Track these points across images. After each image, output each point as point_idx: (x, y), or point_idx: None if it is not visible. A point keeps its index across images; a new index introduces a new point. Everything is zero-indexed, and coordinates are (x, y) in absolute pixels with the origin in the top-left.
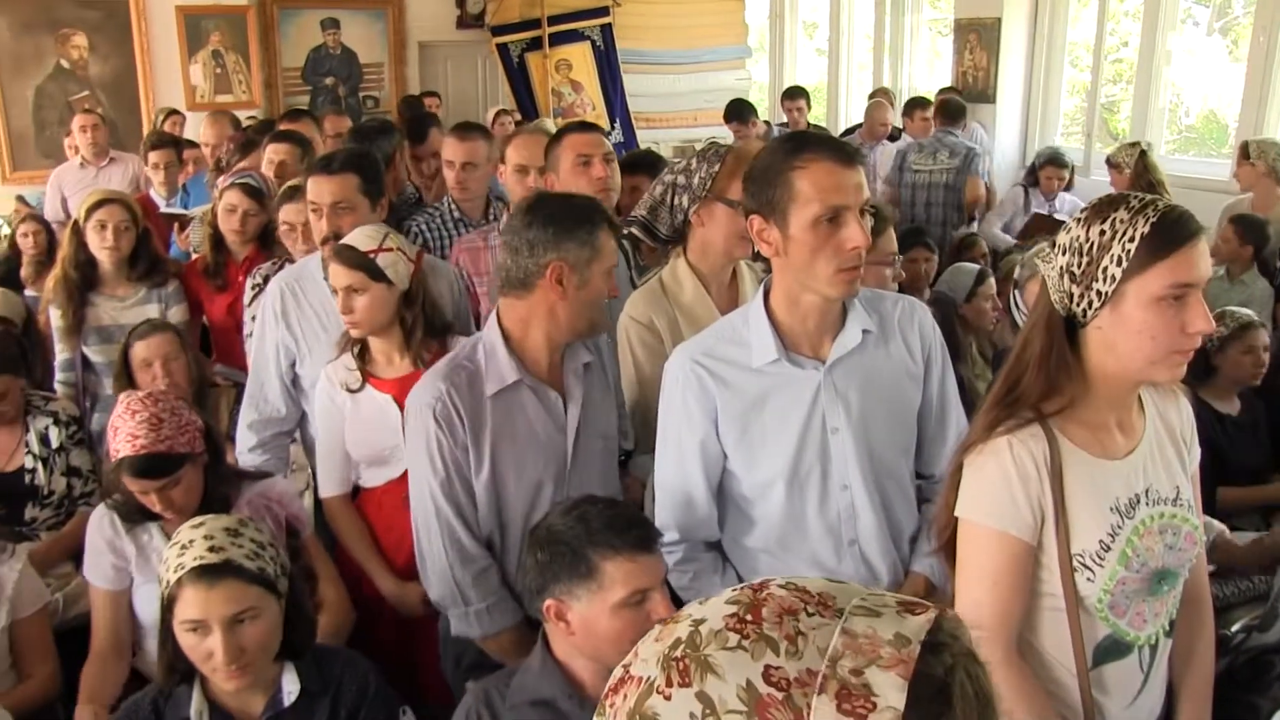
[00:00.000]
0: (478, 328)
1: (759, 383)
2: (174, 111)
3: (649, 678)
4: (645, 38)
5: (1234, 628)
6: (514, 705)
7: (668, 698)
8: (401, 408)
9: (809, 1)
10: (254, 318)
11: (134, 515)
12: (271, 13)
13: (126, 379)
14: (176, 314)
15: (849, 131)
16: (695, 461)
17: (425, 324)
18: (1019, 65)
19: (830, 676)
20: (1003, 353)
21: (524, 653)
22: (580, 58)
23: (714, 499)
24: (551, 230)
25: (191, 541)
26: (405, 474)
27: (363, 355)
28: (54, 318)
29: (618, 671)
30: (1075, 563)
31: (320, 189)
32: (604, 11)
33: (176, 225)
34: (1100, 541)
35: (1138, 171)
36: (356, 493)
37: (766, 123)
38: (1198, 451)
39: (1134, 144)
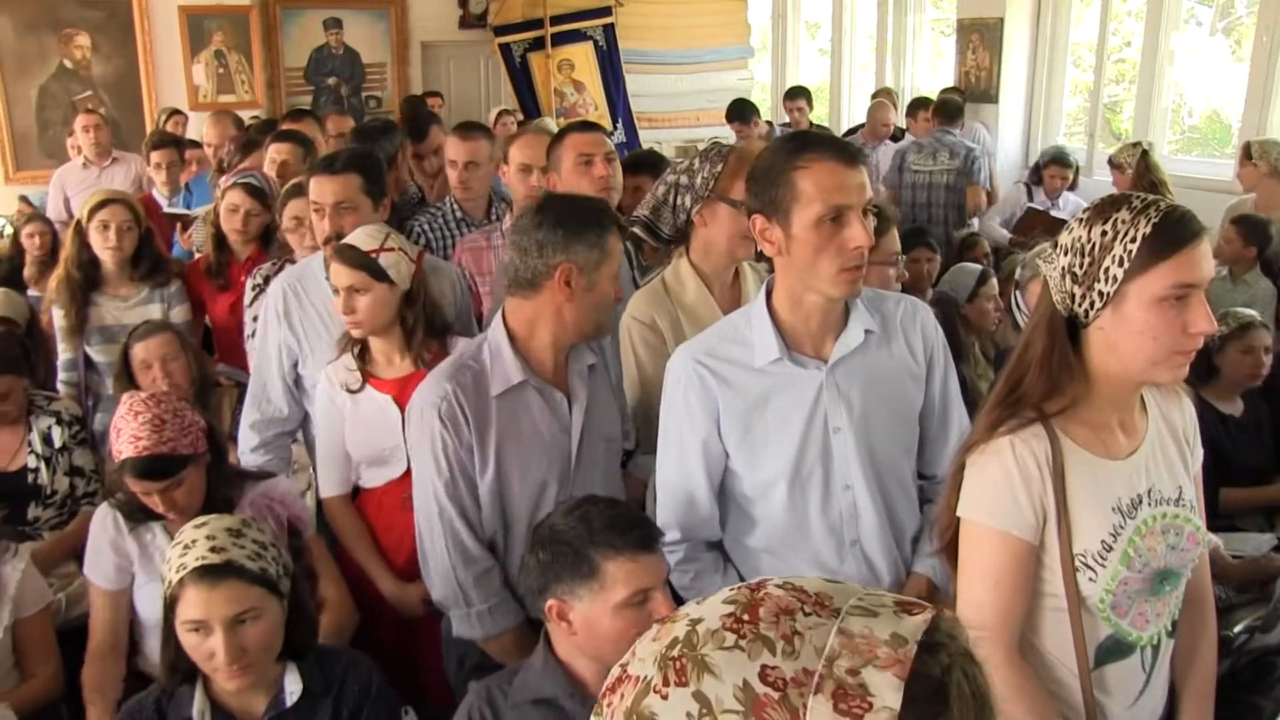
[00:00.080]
0: (480, 328)
1: (761, 382)
2: (176, 111)
3: (646, 677)
4: (648, 38)
5: (1236, 629)
6: (516, 704)
7: (664, 697)
8: (402, 408)
9: (811, 1)
10: (255, 318)
11: (137, 515)
12: (274, 12)
13: (127, 379)
14: (179, 314)
15: (851, 132)
16: (697, 461)
17: (426, 324)
18: (1021, 65)
19: (827, 676)
20: (1005, 352)
21: (525, 654)
22: (583, 58)
23: (715, 498)
24: (561, 232)
25: (194, 541)
26: (405, 474)
27: (363, 356)
28: (57, 317)
29: (615, 671)
30: (1077, 563)
31: (323, 189)
32: (606, 11)
33: (179, 225)
34: (1102, 541)
35: (1139, 172)
36: (357, 493)
37: (769, 123)
38: (1200, 452)
39: (1136, 144)
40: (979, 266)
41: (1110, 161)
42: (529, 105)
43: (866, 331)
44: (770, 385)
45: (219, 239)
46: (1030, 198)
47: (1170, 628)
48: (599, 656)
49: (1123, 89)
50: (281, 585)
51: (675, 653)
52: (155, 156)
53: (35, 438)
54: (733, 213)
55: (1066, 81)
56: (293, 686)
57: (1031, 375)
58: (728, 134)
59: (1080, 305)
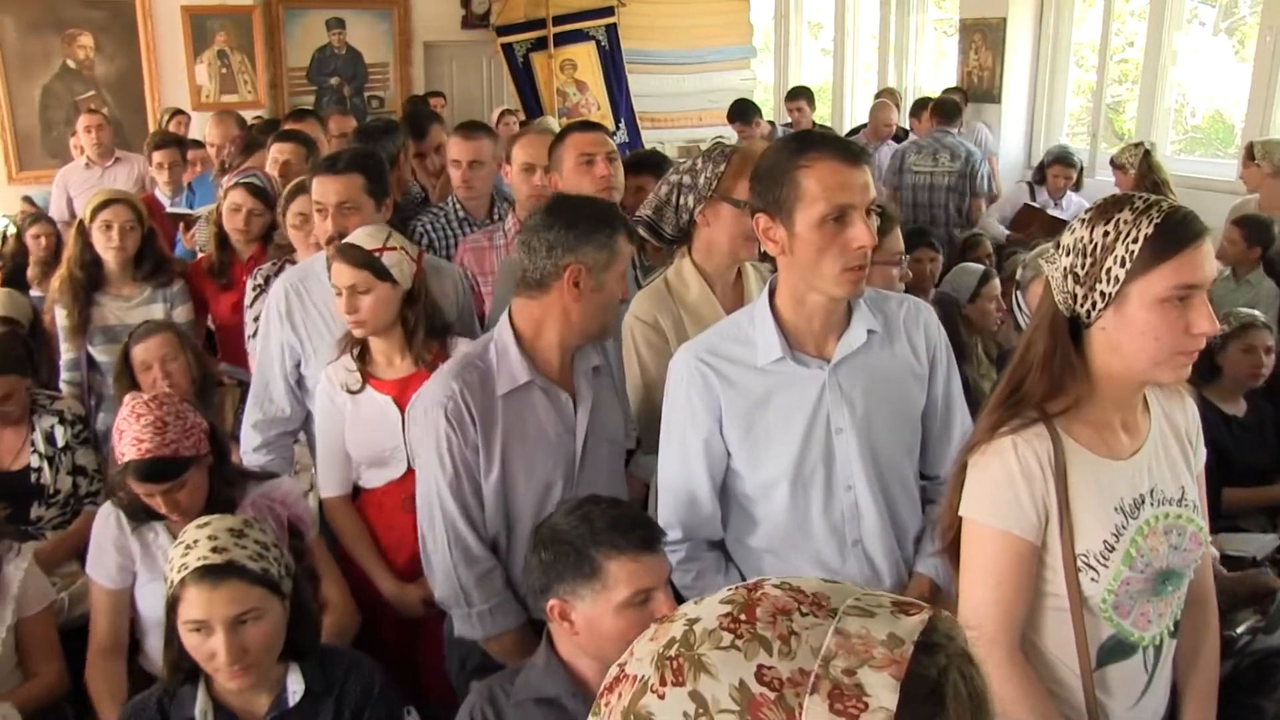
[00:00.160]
0: (482, 328)
1: (763, 381)
2: (179, 111)
3: (643, 676)
4: (650, 38)
5: (1239, 629)
6: (518, 702)
7: (661, 697)
8: (402, 409)
9: (814, 1)
10: (255, 318)
11: (139, 514)
12: (277, 13)
13: (128, 380)
14: (182, 314)
15: (854, 132)
16: (699, 460)
17: (426, 324)
18: (1024, 65)
19: (823, 676)
20: (1007, 352)
21: (526, 655)
22: (585, 58)
23: (717, 498)
24: (572, 233)
25: (196, 541)
26: (405, 475)
27: (363, 357)
28: (59, 317)
29: (613, 670)
30: (1079, 563)
31: (325, 189)
32: (609, 11)
33: (182, 225)
34: (1104, 541)
35: (1142, 172)
36: (357, 494)
37: (771, 123)
38: (1203, 452)
39: (1138, 144)
40: (981, 267)
41: (1112, 162)
42: (531, 105)
43: (869, 331)
44: (772, 385)
45: (221, 239)
46: (1033, 197)
47: (1172, 628)
48: (601, 656)
49: (1125, 89)
50: (283, 586)
51: (672, 652)
52: (158, 156)
53: (38, 437)
54: (735, 213)
55: (1069, 81)
56: (295, 687)
57: (1033, 375)
58: (730, 134)
59: (1082, 305)
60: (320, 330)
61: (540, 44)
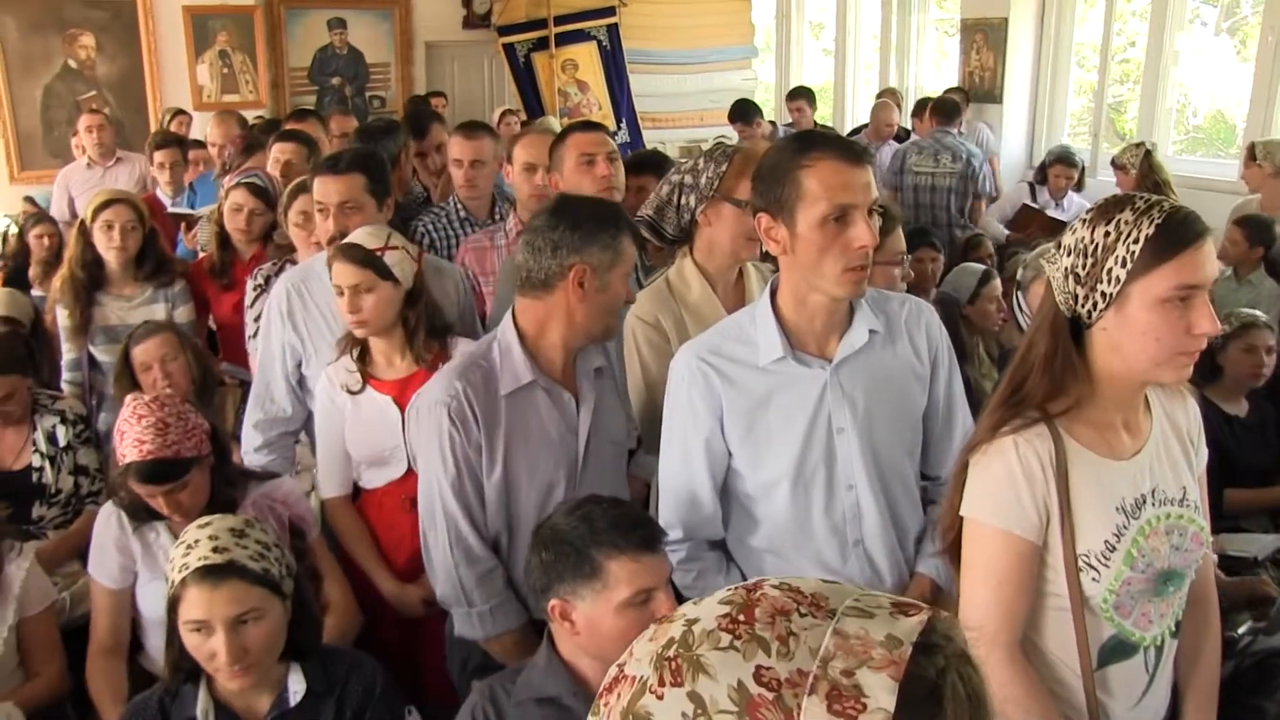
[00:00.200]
0: (484, 328)
1: (765, 381)
2: (180, 111)
3: (642, 677)
4: (651, 38)
5: (1240, 630)
6: (519, 702)
7: (660, 697)
8: (402, 409)
9: (815, 1)
10: (256, 318)
11: (141, 514)
12: (278, 13)
13: (129, 380)
14: (183, 313)
15: (855, 132)
16: (700, 460)
17: (427, 324)
18: (1026, 65)
19: (821, 677)
20: (1008, 352)
21: (526, 656)
22: (586, 58)
23: (718, 498)
24: (577, 234)
25: (197, 541)
26: (406, 475)
27: (363, 357)
28: (61, 317)
29: (612, 671)
30: (1080, 563)
31: (327, 189)
32: (610, 11)
33: (183, 225)
34: (1106, 542)
35: (1143, 172)
36: (357, 494)
37: (772, 123)
38: (1205, 452)
39: (1139, 144)
40: (981, 267)
41: (1114, 162)
42: (533, 105)
43: (871, 331)
44: (774, 384)
45: (223, 239)
46: (1034, 197)
47: (1174, 628)
48: (602, 656)
49: (1127, 89)
50: (284, 586)
51: (671, 653)
52: (159, 156)
53: (40, 437)
54: (737, 212)
55: (1071, 81)
56: (296, 686)
57: (1035, 376)
58: (731, 134)
59: (1083, 306)
60: (321, 330)
61: (541, 44)
